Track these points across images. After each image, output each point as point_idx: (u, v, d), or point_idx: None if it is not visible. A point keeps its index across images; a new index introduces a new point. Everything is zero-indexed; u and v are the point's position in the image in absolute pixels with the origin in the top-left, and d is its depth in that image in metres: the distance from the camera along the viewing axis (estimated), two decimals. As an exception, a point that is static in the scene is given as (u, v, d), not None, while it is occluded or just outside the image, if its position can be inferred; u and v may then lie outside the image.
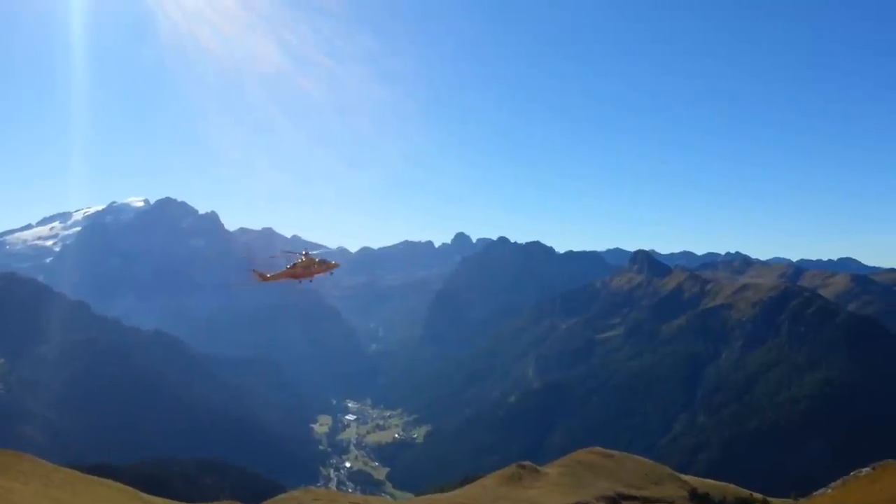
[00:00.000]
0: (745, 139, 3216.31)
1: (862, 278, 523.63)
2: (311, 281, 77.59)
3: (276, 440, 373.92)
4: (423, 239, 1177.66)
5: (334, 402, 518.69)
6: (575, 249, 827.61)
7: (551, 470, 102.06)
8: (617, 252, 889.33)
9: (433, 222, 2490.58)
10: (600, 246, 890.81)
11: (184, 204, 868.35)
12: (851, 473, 59.13)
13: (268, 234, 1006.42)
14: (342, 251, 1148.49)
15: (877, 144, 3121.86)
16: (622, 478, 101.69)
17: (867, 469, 57.07)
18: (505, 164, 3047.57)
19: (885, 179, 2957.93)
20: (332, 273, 78.89)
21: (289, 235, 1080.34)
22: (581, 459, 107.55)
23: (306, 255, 74.95)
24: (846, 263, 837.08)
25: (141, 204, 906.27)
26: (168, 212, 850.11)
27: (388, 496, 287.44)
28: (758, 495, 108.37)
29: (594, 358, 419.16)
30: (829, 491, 58.79)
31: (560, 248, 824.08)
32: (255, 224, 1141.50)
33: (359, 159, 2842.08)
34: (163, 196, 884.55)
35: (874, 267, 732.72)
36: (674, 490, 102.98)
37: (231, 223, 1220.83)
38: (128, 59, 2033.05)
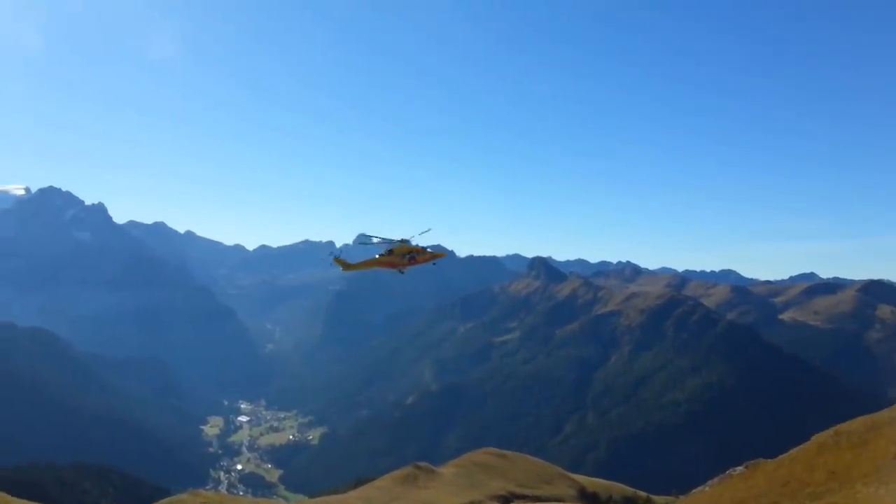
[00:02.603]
0: (638, 154, 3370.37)
1: (740, 289, 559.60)
2: (402, 272, 71.83)
3: (163, 443, 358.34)
4: (325, 239, 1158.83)
5: (226, 403, 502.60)
6: (475, 254, 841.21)
7: (446, 470, 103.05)
8: (516, 258, 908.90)
9: (335, 222, 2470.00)
10: (500, 251, 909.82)
11: (68, 194, 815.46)
12: (727, 472, 62.66)
13: (160, 228, 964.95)
14: (238, 248, 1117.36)
15: (757, 162, 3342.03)
16: (515, 477, 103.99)
17: (741, 468, 60.68)
18: (408, 167, 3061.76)
19: (763, 196, 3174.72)
20: (434, 263, 72.37)
21: (182, 231, 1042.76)
22: (475, 460, 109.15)
23: (403, 241, 67.83)
24: (727, 275, 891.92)
25: (21, 192, 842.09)
26: (51, 201, 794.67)
27: (280, 499, 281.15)
28: (642, 493, 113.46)
29: (491, 361, 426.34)
30: (707, 489, 62.10)
31: (461, 253, 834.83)
32: (147, 218, 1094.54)
33: (258, 155, 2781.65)
34: (45, 185, 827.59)
35: (752, 279, 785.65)
36: (564, 489, 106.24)
37: (120, 216, 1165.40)
38: (9, 39, 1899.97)
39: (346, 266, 68.87)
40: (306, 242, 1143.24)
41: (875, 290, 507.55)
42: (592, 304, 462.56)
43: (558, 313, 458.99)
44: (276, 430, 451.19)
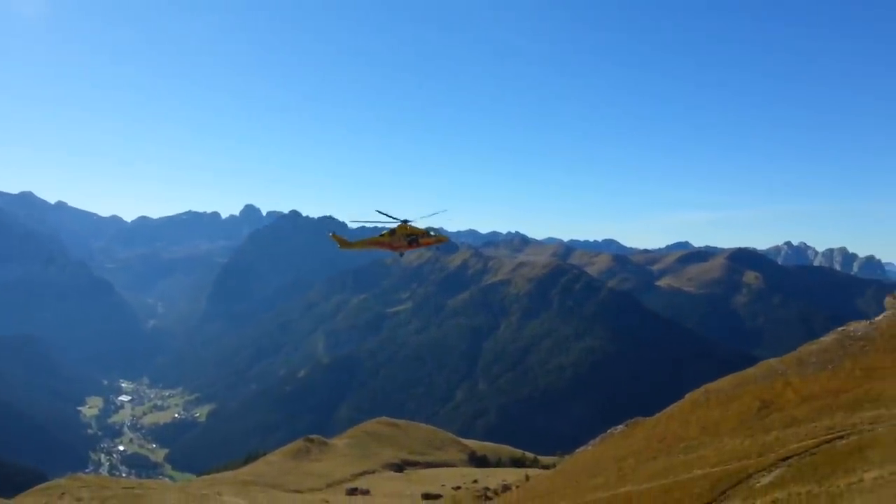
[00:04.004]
0: (525, 129, 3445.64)
1: (621, 258, 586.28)
2: (400, 255, 66.91)
3: (37, 426, 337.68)
4: (209, 209, 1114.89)
5: (105, 382, 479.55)
6: (369, 226, 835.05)
7: (339, 442, 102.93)
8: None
9: (221, 192, 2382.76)
10: (393, 222, 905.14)
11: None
12: (608, 431, 65.78)
13: (27, 198, 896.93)
14: (115, 220, 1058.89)
15: (636, 139, 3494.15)
16: (407, 445, 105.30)
17: (621, 426, 63.82)
18: (298, 135, 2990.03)
19: (642, 169, 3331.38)
20: (437, 248, 68.92)
21: (53, 201, 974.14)
22: (368, 430, 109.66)
23: (406, 223, 63.55)
24: (609, 244, 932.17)
25: None
26: None
27: (166, 479, 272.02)
28: (529, 455, 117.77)
29: (383, 332, 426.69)
30: (590, 447, 65.05)
31: (353, 225, 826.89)
32: (12, 187, 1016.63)
33: (134, 120, 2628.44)
34: None
35: (631, 248, 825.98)
36: (455, 454, 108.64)
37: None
38: None
39: (344, 244, 65.44)
40: (190, 213, 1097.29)
41: (742, 258, 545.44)
42: (483, 273, 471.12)
43: (450, 283, 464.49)
44: (161, 408, 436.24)
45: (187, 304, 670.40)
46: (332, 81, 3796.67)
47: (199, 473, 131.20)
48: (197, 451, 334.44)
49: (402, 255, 68.01)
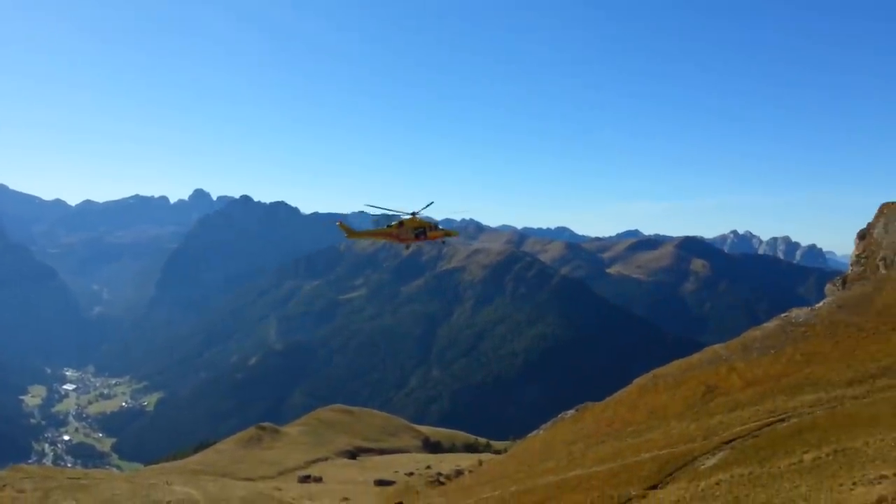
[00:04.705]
0: (481, 117, 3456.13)
1: (573, 246, 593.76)
2: (407, 248, 66.25)
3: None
4: (157, 193, 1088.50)
5: (49, 371, 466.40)
6: (321, 211, 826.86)
7: (292, 429, 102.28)
8: (362, 215, 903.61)
9: (169, 175, 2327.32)
10: (346, 208, 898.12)
11: None
12: (559, 416, 66.74)
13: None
14: (59, 203, 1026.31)
15: (587, 127, 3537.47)
16: (361, 432, 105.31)
17: (572, 411, 64.82)
18: (249, 119, 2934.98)
19: (594, 160, 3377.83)
20: (443, 241, 66.92)
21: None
22: (321, 417, 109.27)
23: (414, 215, 62.55)
24: (561, 232, 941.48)
25: None
26: None
27: (113, 468, 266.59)
28: (482, 440, 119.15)
29: (337, 318, 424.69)
30: (541, 432, 65.94)
31: (306, 210, 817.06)
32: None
33: (78, 98, 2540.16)
34: None
35: (583, 236, 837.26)
36: (409, 440, 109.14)
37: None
38: None
39: (351, 233, 64.36)
40: (136, 197, 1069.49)
41: (690, 246, 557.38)
42: (437, 260, 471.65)
43: (404, 270, 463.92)
44: (107, 397, 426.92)
45: (134, 291, 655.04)
46: (283, 65, 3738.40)
47: (148, 463, 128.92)
48: (145, 441, 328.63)
49: (407, 247, 67.93)
